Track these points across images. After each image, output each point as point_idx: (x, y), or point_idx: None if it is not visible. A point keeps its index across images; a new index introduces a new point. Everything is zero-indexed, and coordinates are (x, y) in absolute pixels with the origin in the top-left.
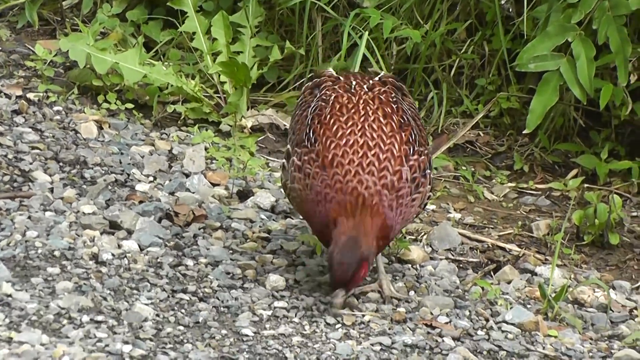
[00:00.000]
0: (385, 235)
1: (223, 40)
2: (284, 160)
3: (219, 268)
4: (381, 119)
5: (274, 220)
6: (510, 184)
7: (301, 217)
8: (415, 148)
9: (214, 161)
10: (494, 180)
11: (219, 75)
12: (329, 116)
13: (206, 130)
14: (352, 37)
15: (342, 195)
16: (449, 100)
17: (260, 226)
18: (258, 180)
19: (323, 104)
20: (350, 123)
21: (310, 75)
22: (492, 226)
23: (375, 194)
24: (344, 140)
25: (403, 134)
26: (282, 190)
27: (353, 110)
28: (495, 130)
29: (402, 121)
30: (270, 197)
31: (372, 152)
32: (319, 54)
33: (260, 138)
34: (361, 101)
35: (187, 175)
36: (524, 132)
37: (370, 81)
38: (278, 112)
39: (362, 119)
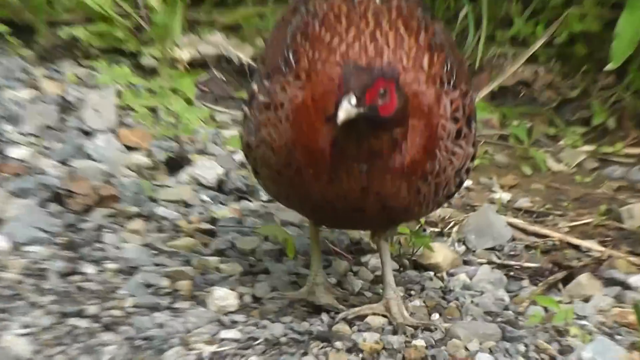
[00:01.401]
0: (428, 137)
1: None
2: (244, 107)
3: (136, 278)
4: (402, 31)
5: (221, 203)
6: (587, 148)
7: (273, 194)
8: (453, 81)
9: (130, 113)
10: (561, 142)
11: None
12: (318, 27)
13: (119, 65)
14: None
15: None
16: (491, 20)
17: (200, 213)
18: (198, 141)
19: (309, 18)
20: (353, 33)
21: None
22: (559, 212)
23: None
24: (344, 47)
25: (436, 56)
26: (242, 155)
27: (358, 19)
28: (563, 66)
29: (433, 44)
30: (216, 167)
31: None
32: None
33: (203, 78)
34: (369, 11)
35: (89, 134)
36: (606, 68)
37: None
38: (230, 38)
39: (371, 28)
